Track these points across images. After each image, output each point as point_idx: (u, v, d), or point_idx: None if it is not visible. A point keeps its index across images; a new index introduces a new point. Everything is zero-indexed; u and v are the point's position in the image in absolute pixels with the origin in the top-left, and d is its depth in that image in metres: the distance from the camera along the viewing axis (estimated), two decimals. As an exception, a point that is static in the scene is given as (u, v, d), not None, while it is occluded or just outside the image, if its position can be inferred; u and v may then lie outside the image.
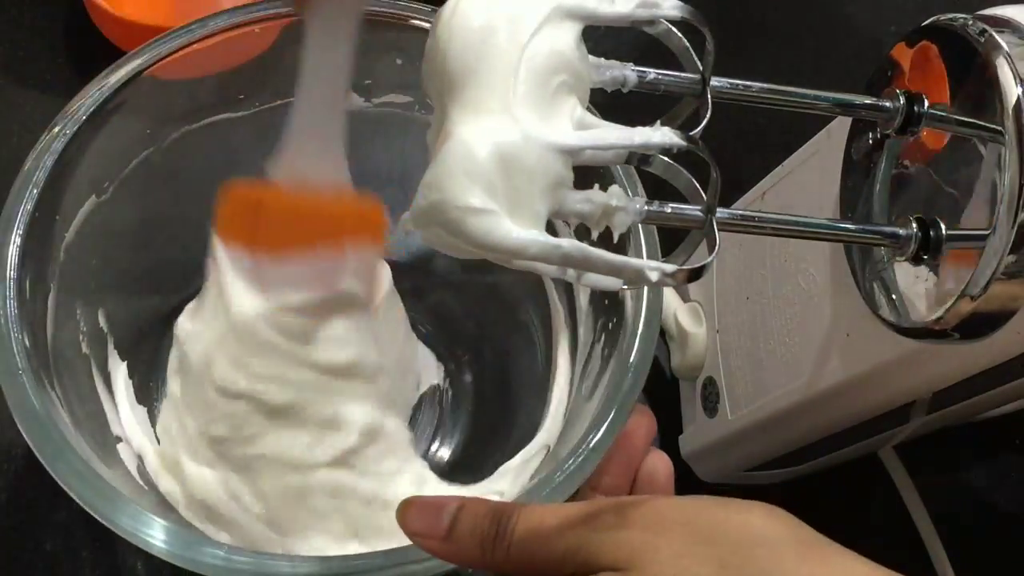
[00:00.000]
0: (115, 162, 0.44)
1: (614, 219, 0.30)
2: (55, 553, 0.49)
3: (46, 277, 0.40)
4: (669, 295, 0.56)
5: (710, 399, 0.52)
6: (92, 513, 0.34)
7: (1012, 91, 0.32)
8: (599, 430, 0.37)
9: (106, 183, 0.43)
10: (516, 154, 0.28)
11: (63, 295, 0.41)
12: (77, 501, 0.34)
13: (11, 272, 0.37)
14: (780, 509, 0.30)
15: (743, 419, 0.49)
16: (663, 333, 0.57)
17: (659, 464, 0.38)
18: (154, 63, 0.43)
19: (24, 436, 0.35)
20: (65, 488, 0.34)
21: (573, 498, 0.39)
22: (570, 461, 0.36)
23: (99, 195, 0.43)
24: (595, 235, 0.31)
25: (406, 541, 0.33)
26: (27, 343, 0.36)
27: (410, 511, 0.33)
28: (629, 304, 0.40)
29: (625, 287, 0.31)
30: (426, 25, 0.44)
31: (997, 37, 0.33)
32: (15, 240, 0.38)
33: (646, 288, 0.40)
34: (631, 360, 0.39)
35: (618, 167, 0.41)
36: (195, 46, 0.44)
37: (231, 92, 0.47)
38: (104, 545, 0.49)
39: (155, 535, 0.33)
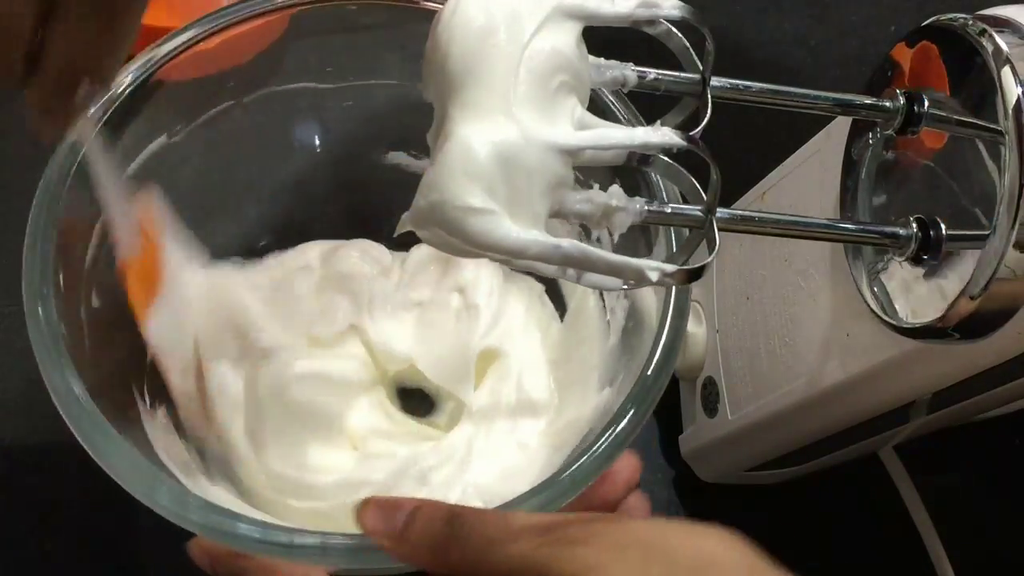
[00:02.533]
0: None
1: (614, 219, 0.30)
2: (55, 553, 0.49)
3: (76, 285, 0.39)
4: (669, 295, 0.56)
5: (710, 399, 0.52)
6: (143, 500, 0.33)
7: (1012, 91, 0.32)
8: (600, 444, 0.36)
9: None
10: (516, 154, 0.28)
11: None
12: (122, 484, 0.33)
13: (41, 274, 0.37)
14: (738, 536, 0.30)
15: (743, 419, 0.49)
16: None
17: (637, 504, 0.37)
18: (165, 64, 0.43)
19: (65, 420, 0.34)
20: (106, 469, 0.33)
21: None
22: (564, 475, 0.36)
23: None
24: (595, 235, 0.31)
25: None
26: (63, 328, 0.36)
27: (368, 509, 0.33)
28: (651, 305, 0.40)
29: (625, 287, 0.31)
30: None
31: (997, 37, 0.33)
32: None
33: (672, 301, 0.39)
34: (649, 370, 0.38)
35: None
36: (202, 45, 0.43)
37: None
38: (104, 545, 0.49)
39: (192, 512, 0.33)
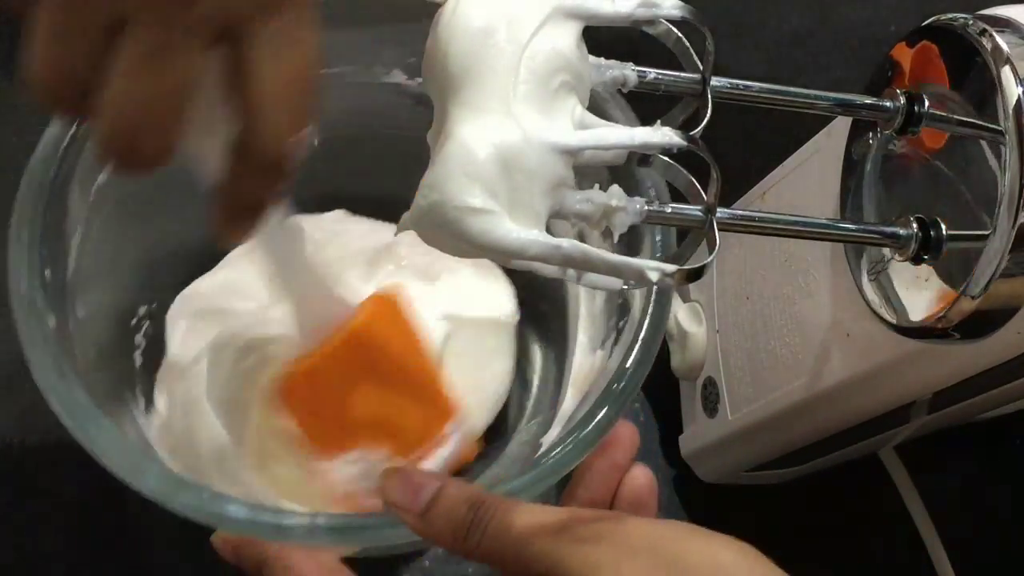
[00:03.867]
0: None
1: (614, 219, 0.30)
2: (55, 553, 0.49)
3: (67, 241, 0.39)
4: (669, 295, 0.56)
5: (710, 399, 0.52)
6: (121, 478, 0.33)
7: (1012, 91, 0.32)
8: (584, 430, 0.36)
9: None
10: (516, 154, 0.28)
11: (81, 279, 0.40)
12: (104, 466, 0.33)
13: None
14: (748, 545, 0.30)
15: (743, 419, 0.49)
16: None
17: (640, 478, 0.37)
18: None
19: (52, 407, 0.34)
20: (92, 454, 0.33)
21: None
22: (554, 451, 0.35)
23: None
24: (595, 235, 0.31)
25: None
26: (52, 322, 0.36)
27: (392, 480, 0.33)
28: (637, 305, 0.40)
29: (626, 287, 0.31)
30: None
31: (997, 37, 0.33)
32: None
33: (655, 292, 0.39)
34: (629, 362, 0.38)
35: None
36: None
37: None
38: (104, 546, 0.49)
39: (179, 494, 0.33)
